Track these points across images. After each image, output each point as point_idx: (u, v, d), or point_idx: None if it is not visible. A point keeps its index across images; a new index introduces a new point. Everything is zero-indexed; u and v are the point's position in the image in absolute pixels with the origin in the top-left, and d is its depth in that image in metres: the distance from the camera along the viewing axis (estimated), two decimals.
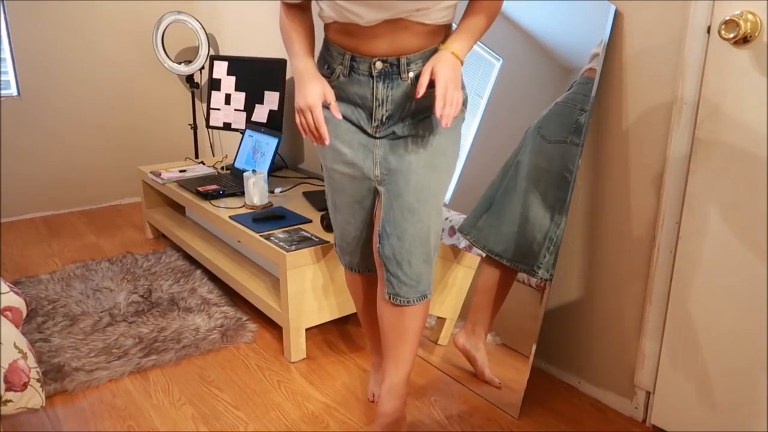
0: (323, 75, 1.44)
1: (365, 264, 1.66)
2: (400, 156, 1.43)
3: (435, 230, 1.47)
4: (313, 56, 1.44)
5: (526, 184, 1.75)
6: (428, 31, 1.34)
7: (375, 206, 1.53)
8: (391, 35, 1.32)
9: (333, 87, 1.42)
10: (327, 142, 1.39)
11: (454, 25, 1.42)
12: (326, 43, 1.43)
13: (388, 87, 1.37)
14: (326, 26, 1.42)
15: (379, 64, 1.35)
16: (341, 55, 1.38)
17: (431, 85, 1.35)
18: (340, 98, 1.43)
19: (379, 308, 1.57)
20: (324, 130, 1.37)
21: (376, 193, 1.50)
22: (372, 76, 1.37)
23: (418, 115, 1.42)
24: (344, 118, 1.45)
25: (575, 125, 1.66)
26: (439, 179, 1.45)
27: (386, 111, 1.40)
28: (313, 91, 1.36)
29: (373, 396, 1.85)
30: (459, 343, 1.96)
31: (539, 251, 1.71)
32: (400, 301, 1.49)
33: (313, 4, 1.43)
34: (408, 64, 1.35)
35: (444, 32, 1.39)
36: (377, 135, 1.44)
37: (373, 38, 1.33)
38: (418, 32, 1.33)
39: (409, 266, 1.45)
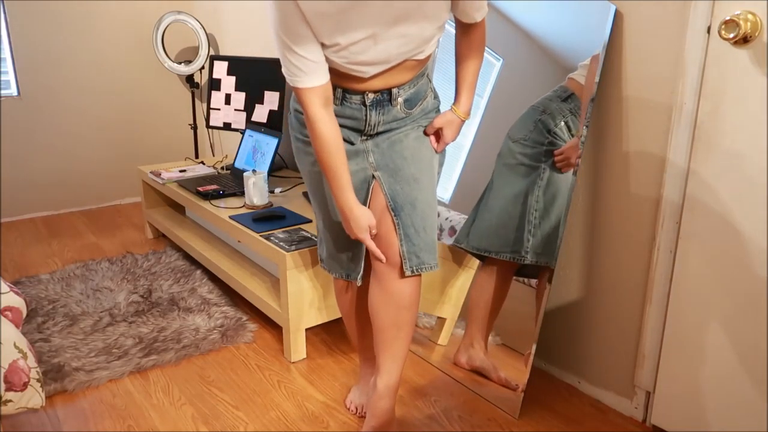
0: None
1: (359, 267, 1.60)
2: (391, 140, 1.50)
3: (435, 205, 1.54)
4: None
5: (498, 180, 1.87)
6: (418, 63, 1.44)
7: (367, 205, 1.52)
8: (385, 75, 1.41)
9: None
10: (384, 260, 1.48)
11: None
12: None
13: (379, 113, 1.47)
14: None
15: (371, 95, 1.44)
16: (333, 90, 1.43)
17: (412, 105, 1.50)
18: None
19: (376, 301, 1.53)
20: (379, 253, 1.46)
21: (369, 188, 1.51)
22: (365, 105, 1.45)
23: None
24: None
25: (533, 124, 1.79)
26: (430, 150, 1.54)
27: (376, 131, 1.50)
28: (360, 224, 1.44)
29: (356, 408, 1.80)
30: (462, 362, 1.95)
31: (522, 237, 1.79)
32: (424, 269, 1.50)
33: None
34: (399, 92, 1.46)
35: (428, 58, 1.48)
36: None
37: (368, 80, 1.41)
38: (409, 68, 1.43)
39: (425, 233, 1.49)
